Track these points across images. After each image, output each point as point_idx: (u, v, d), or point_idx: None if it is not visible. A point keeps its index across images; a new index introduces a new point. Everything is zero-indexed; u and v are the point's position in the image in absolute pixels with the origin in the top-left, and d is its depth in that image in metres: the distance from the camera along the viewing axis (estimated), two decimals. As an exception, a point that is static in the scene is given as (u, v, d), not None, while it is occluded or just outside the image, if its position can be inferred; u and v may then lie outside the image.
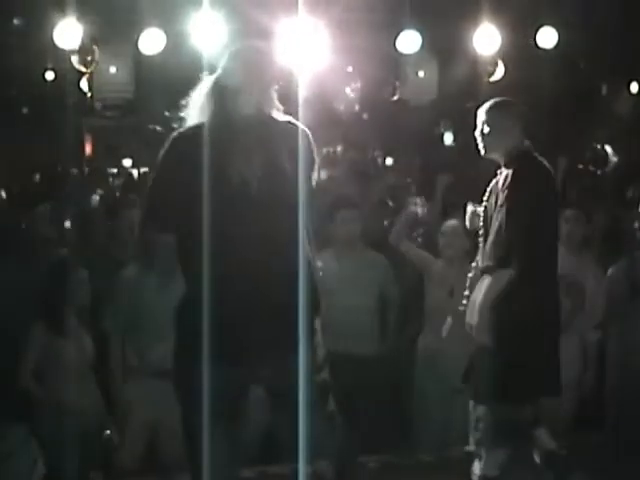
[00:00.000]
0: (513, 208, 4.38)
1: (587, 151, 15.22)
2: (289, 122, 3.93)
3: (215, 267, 3.64)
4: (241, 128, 3.80)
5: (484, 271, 4.48)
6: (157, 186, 3.89)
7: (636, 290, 6.15)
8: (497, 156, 4.65)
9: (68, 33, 9.71)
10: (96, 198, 10.31)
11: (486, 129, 4.63)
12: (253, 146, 3.77)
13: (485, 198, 4.67)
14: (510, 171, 4.50)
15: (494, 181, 4.65)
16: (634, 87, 14.43)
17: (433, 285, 6.19)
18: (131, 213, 6.78)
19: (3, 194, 11.67)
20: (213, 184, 3.67)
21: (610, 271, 6.29)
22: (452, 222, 6.28)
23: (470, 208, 4.86)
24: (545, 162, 4.61)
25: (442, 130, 16.18)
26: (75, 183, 11.79)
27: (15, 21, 11.93)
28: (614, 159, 14.16)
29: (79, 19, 9.70)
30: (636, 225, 6.77)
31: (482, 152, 4.68)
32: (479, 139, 4.67)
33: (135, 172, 17.28)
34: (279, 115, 3.95)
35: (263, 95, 3.90)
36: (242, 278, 3.65)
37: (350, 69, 12.16)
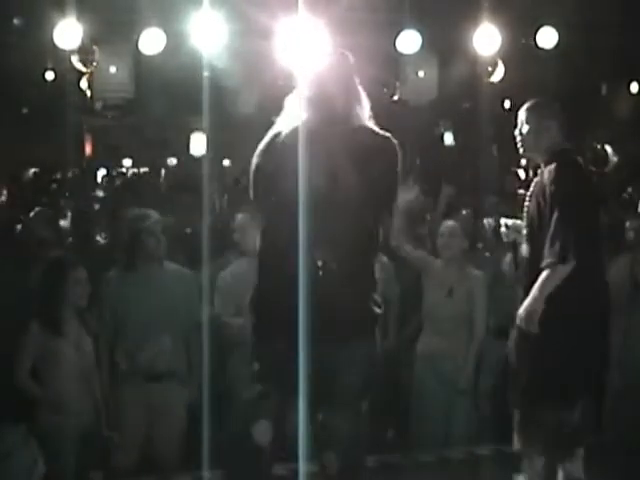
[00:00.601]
0: (562, 205, 4.42)
1: (587, 151, 15.23)
2: (376, 133, 4.04)
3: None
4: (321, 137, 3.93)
5: (544, 267, 4.48)
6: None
7: (636, 289, 6.15)
8: (536, 155, 4.73)
9: (68, 33, 9.72)
10: (96, 198, 10.30)
11: (525, 128, 4.69)
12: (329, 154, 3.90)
13: (527, 198, 4.70)
14: (551, 167, 4.53)
15: (535, 181, 4.69)
16: (634, 87, 14.44)
17: (432, 285, 6.19)
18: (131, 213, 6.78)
19: (3, 193, 11.69)
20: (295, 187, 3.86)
21: (611, 268, 6.28)
22: (450, 223, 6.28)
23: (504, 222, 4.95)
24: (582, 161, 4.69)
25: (442, 130, 16.20)
26: (75, 183, 11.79)
27: (15, 21, 11.93)
28: (614, 159, 14.15)
29: (79, 19, 9.71)
30: (635, 224, 6.78)
31: (520, 151, 4.74)
32: (518, 138, 4.73)
33: (135, 172, 17.32)
34: (368, 126, 4.05)
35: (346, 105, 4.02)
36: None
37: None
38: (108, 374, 5.58)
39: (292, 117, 4.04)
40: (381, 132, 4.06)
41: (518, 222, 4.82)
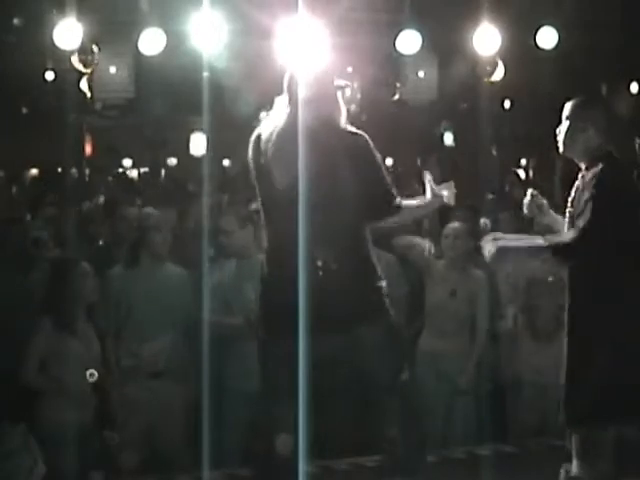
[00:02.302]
0: (597, 208, 4.09)
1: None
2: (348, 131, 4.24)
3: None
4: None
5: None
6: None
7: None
8: (574, 156, 4.39)
9: (68, 33, 9.72)
10: (96, 198, 10.30)
11: (565, 126, 4.36)
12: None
13: (569, 204, 4.34)
14: (594, 172, 4.21)
15: (576, 185, 4.34)
16: (634, 87, 14.43)
17: (435, 285, 6.19)
18: (131, 213, 6.79)
19: (3, 193, 11.69)
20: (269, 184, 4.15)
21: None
22: (454, 224, 6.28)
23: (530, 192, 4.55)
24: (627, 165, 4.43)
25: (442, 130, 16.20)
26: (75, 183, 11.79)
27: (15, 21, 11.94)
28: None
29: (79, 19, 9.71)
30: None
31: (560, 149, 4.40)
32: (559, 136, 4.40)
33: (135, 172, 17.33)
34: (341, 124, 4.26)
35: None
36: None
37: (350, 69, 12.16)
38: (112, 371, 5.60)
39: (280, 117, 4.24)
40: (354, 130, 4.25)
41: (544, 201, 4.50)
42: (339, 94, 4.29)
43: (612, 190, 4.14)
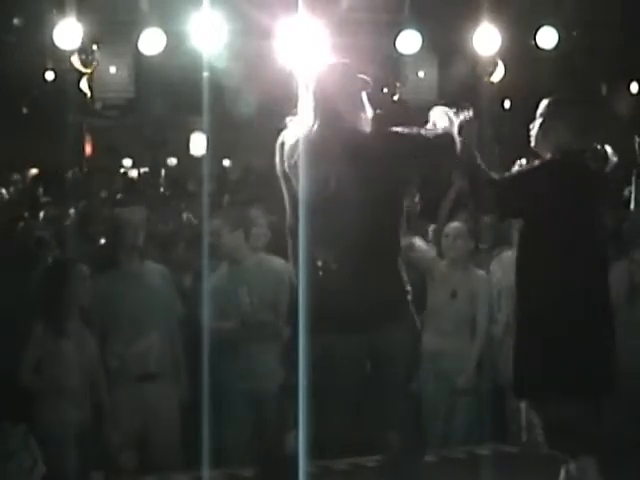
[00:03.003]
0: (531, 178, 4.34)
1: (587, 151, 15.18)
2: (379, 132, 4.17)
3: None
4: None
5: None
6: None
7: (633, 290, 6.14)
8: (543, 151, 4.48)
9: (68, 33, 9.73)
10: (96, 198, 10.30)
11: (538, 122, 4.49)
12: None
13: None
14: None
15: None
16: (634, 87, 14.44)
17: (435, 286, 6.19)
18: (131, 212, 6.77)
19: (4, 193, 11.69)
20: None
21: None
22: (456, 224, 6.29)
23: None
24: (582, 169, 4.49)
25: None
26: (75, 183, 11.79)
27: (15, 21, 11.94)
28: (614, 159, 14.12)
29: (79, 19, 9.71)
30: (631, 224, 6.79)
31: (532, 144, 4.52)
32: (532, 131, 4.52)
33: (135, 172, 17.32)
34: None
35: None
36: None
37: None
38: (104, 373, 5.57)
39: (304, 123, 4.16)
40: (385, 130, 4.18)
41: None
42: (363, 94, 4.20)
43: (550, 173, 4.31)
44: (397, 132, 4.18)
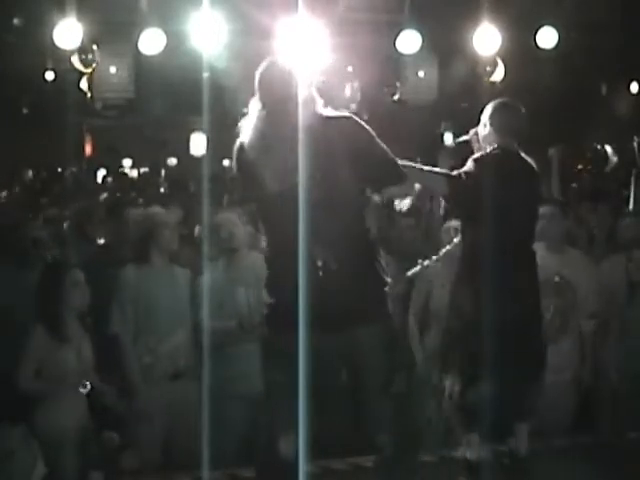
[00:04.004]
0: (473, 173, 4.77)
1: (587, 151, 15.23)
2: (332, 116, 4.12)
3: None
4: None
5: None
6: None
7: (632, 288, 6.14)
8: (476, 148, 4.97)
9: (68, 33, 9.73)
10: (96, 198, 10.30)
11: (483, 124, 4.92)
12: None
13: None
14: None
15: None
16: (634, 87, 14.45)
17: (436, 286, 6.18)
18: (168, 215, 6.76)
19: (3, 194, 11.70)
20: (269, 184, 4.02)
21: (605, 267, 6.28)
22: (455, 222, 6.27)
23: None
24: (511, 162, 4.76)
25: (442, 130, 16.19)
26: (75, 183, 11.81)
27: (15, 21, 11.95)
28: (614, 159, 14.15)
29: (79, 19, 9.72)
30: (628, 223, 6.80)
31: (471, 141, 5.00)
32: (480, 133, 4.95)
33: (135, 172, 17.34)
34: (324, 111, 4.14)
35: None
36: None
37: (350, 69, 12.18)
38: (135, 373, 5.58)
39: (258, 120, 4.14)
40: (337, 114, 4.14)
41: None
42: (311, 83, 4.17)
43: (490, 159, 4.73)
44: (354, 123, 4.14)
